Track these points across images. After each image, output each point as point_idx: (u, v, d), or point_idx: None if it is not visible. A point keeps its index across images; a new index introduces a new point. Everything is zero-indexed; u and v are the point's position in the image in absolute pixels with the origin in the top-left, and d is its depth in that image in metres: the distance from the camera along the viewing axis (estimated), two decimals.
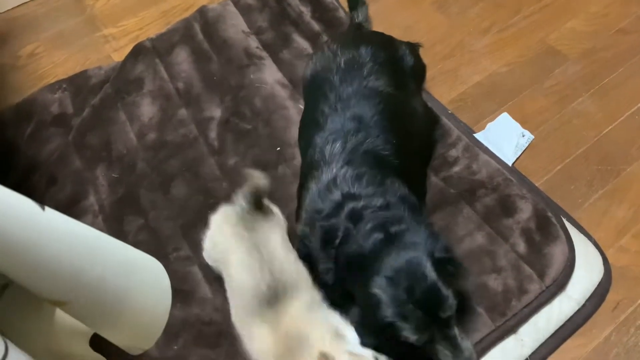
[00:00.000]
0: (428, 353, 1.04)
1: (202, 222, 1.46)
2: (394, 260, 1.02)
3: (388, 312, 0.99)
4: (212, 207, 1.51)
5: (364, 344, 1.02)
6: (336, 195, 1.17)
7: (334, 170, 1.20)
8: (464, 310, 1.22)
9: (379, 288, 1.01)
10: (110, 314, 0.61)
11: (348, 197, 1.16)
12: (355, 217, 1.12)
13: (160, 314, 0.67)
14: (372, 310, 1.01)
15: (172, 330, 1.24)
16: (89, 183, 1.58)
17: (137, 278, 0.63)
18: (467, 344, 1.05)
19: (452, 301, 1.01)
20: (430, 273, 1.00)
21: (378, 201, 1.13)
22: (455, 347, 1.03)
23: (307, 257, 1.17)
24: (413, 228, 1.07)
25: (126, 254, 0.64)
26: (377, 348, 1.03)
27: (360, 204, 1.14)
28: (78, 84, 1.84)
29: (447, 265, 1.06)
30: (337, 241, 1.12)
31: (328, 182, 1.19)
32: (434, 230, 1.10)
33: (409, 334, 1.00)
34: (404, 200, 1.15)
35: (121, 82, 1.78)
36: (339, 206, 1.15)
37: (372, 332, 1.03)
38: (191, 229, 1.47)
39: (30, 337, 0.59)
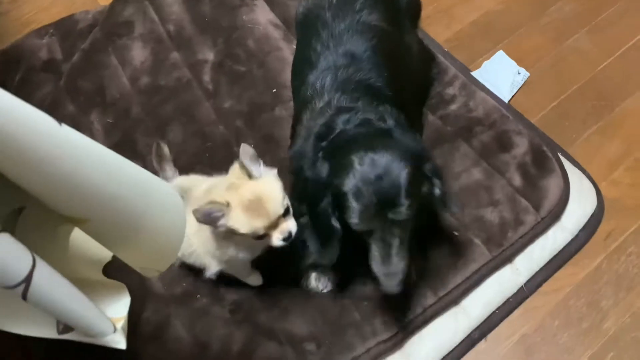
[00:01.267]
0: (363, 242, 1.05)
1: (200, 166, 1.48)
2: (382, 148, 1.00)
3: (350, 182, 0.98)
4: (209, 150, 1.52)
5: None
6: (332, 110, 1.15)
7: (327, 97, 1.18)
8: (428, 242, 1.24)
9: (357, 157, 0.99)
10: (128, 233, 0.62)
11: (344, 109, 1.14)
12: (352, 122, 1.10)
13: (177, 236, 0.68)
14: (340, 173, 1.00)
15: (179, 269, 1.28)
16: (84, 128, 1.56)
17: (153, 199, 0.64)
18: (399, 262, 1.03)
19: (406, 211, 0.98)
20: (403, 176, 0.98)
21: (375, 116, 1.12)
22: (386, 255, 1.02)
23: (297, 170, 1.15)
24: (410, 138, 1.07)
25: (141, 174, 0.65)
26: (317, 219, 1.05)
27: (358, 114, 1.11)
28: (65, 28, 1.80)
29: (429, 184, 1.06)
30: (331, 137, 1.10)
31: (322, 107, 1.17)
32: (428, 150, 1.11)
33: (353, 214, 0.99)
34: (401, 125, 1.14)
35: (111, 26, 1.74)
36: (335, 115, 1.13)
37: (323, 194, 1.04)
38: (189, 172, 1.47)
39: (49, 261, 0.60)
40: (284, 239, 1.03)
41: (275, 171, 1.07)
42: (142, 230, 0.63)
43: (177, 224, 0.68)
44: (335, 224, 1.05)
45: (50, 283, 0.54)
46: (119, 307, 0.66)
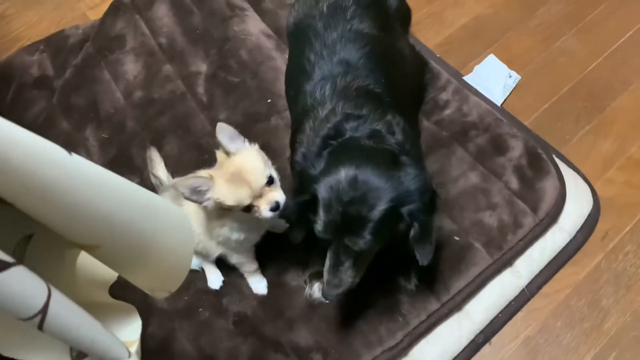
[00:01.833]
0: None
1: None
2: (373, 173, 0.99)
3: (325, 191, 0.99)
4: (206, 163, 1.52)
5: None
6: (339, 117, 1.14)
7: (330, 105, 1.18)
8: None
9: (345, 171, 0.99)
10: (138, 256, 0.62)
11: (352, 116, 1.13)
12: (362, 131, 1.10)
13: (185, 256, 0.68)
14: (325, 177, 1.01)
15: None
16: (80, 144, 1.55)
17: (162, 221, 0.64)
18: (345, 277, 1.06)
19: (363, 245, 1.00)
20: (376, 211, 0.97)
21: (384, 127, 1.12)
22: (334, 267, 1.06)
23: (301, 173, 1.15)
24: (411, 171, 1.03)
25: (150, 197, 0.64)
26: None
27: (366, 124, 1.11)
28: (56, 44, 1.79)
29: (406, 225, 1.04)
30: (341, 139, 1.10)
31: (326, 114, 1.17)
32: (426, 188, 1.04)
33: (318, 221, 1.02)
34: (408, 135, 1.15)
35: (102, 41, 1.74)
36: (343, 121, 1.13)
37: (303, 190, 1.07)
38: None
39: (58, 286, 0.59)
40: (272, 209, 1.05)
41: (257, 146, 1.10)
42: (152, 252, 0.63)
43: (186, 244, 0.68)
44: (310, 216, 1.07)
45: (65, 312, 0.54)
46: (131, 331, 0.66)
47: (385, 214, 0.98)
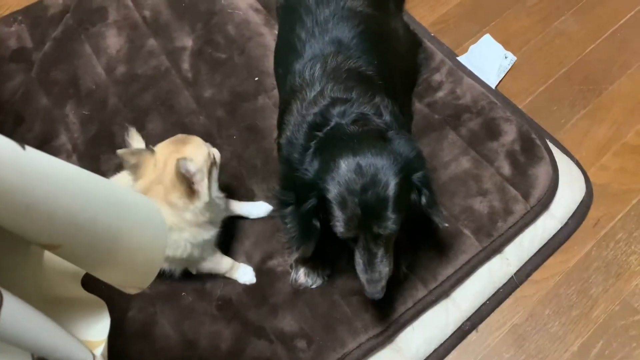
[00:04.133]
0: (348, 245, 1.04)
1: None
2: (372, 155, 0.97)
3: (334, 189, 0.96)
4: None
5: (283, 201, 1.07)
6: (326, 100, 1.10)
7: (318, 86, 1.14)
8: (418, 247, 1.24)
9: (345, 162, 0.96)
10: (105, 254, 0.58)
11: (339, 100, 1.09)
12: (348, 116, 1.06)
13: (157, 252, 0.65)
14: (326, 176, 0.97)
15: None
16: (59, 121, 1.50)
17: (131, 217, 0.60)
18: (383, 269, 1.03)
19: (392, 225, 0.96)
20: (391, 188, 0.95)
21: (371, 110, 1.08)
22: (370, 263, 1.01)
23: (286, 159, 1.12)
24: (405, 141, 1.03)
25: (117, 192, 0.60)
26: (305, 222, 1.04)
27: (353, 107, 1.07)
28: (35, 15, 1.71)
29: (417, 193, 1.03)
30: (326, 129, 1.06)
31: (314, 96, 1.13)
32: (422, 156, 1.07)
33: (337, 223, 0.97)
34: (397, 118, 1.11)
35: (83, 12, 1.66)
36: (329, 106, 1.09)
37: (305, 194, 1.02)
38: None
39: (21, 283, 0.56)
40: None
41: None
42: (120, 250, 0.59)
43: (157, 239, 0.64)
44: (316, 223, 1.03)
45: (20, 317, 0.50)
46: (98, 330, 0.62)
47: (400, 187, 0.96)
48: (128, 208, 0.60)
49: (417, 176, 1.01)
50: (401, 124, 1.12)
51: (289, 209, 1.08)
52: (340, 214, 0.96)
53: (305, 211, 1.01)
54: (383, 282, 1.03)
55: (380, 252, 1.01)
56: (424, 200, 1.04)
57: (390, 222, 0.96)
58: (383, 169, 0.95)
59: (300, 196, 1.03)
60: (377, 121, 1.06)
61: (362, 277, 1.04)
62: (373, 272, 1.02)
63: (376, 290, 1.03)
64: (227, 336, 1.21)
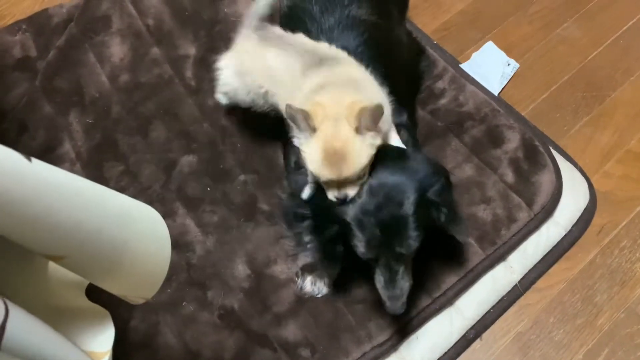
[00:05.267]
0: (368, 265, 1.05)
1: None
2: (385, 174, 0.97)
3: (351, 211, 0.97)
4: (194, 151, 1.47)
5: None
6: None
7: None
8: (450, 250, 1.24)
9: None
10: (110, 265, 0.58)
11: None
12: None
13: (161, 262, 0.65)
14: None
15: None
16: (63, 129, 1.50)
17: (136, 228, 0.60)
18: (404, 285, 1.04)
19: (413, 243, 0.98)
20: (409, 206, 0.96)
21: None
22: (391, 280, 1.03)
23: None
24: (417, 157, 1.03)
25: (122, 203, 0.61)
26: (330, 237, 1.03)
27: None
28: (39, 24, 1.72)
29: (435, 210, 1.03)
30: None
31: None
32: (438, 168, 1.06)
33: (358, 244, 0.98)
34: (408, 128, 1.12)
35: (87, 21, 1.67)
36: None
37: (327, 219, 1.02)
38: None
39: (26, 294, 0.56)
40: (337, 198, 0.98)
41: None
42: (125, 261, 0.59)
43: (162, 250, 0.64)
44: (340, 248, 1.04)
45: (26, 330, 0.50)
46: (102, 341, 0.62)
47: (417, 204, 0.96)
48: (133, 219, 0.60)
49: (434, 191, 1.01)
50: (413, 134, 1.12)
51: (306, 223, 1.09)
52: (360, 235, 0.97)
53: (328, 238, 1.02)
54: (404, 298, 1.04)
55: (401, 270, 1.02)
56: (442, 217, 1.03)
57: (412, 241, 0.97)
58: (397, 186, 0.96)
59: (317, 224, 1.04)
60: None
61: (384, 294, 1.04)
62: (395, 288, 1.03)
63: (397, 306, 1.04)
64: (230, 345, 1.20)
